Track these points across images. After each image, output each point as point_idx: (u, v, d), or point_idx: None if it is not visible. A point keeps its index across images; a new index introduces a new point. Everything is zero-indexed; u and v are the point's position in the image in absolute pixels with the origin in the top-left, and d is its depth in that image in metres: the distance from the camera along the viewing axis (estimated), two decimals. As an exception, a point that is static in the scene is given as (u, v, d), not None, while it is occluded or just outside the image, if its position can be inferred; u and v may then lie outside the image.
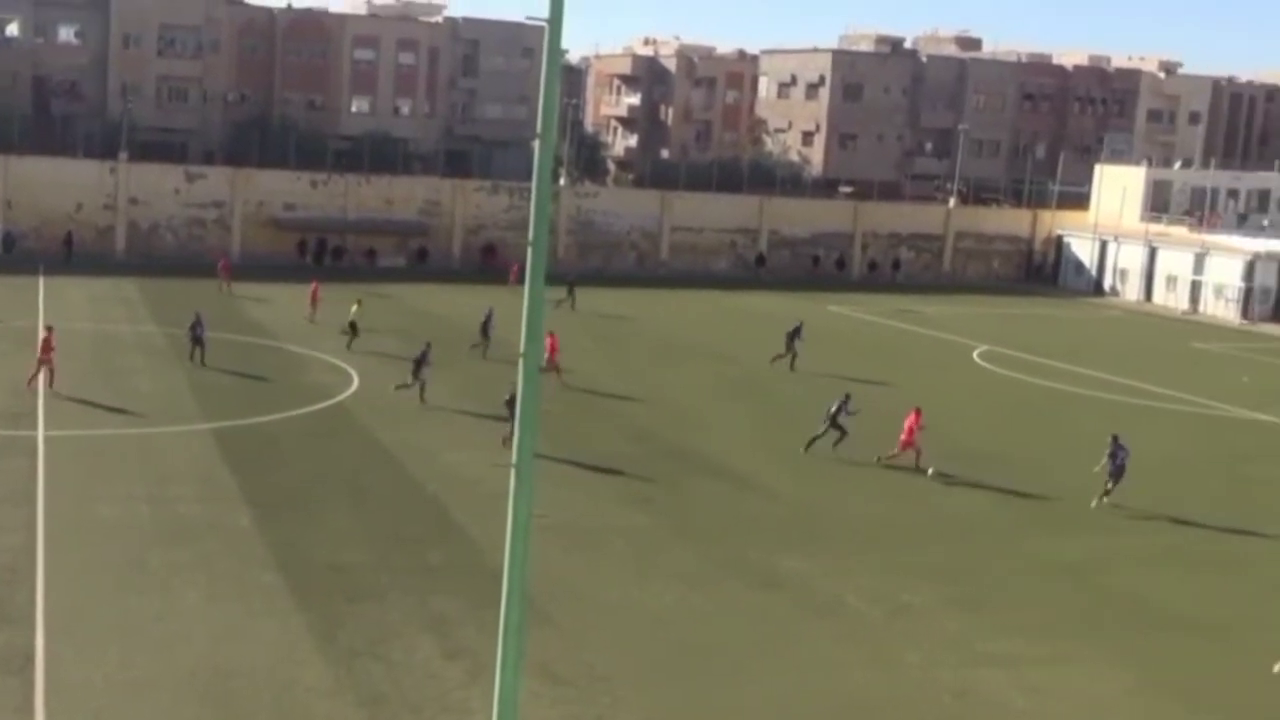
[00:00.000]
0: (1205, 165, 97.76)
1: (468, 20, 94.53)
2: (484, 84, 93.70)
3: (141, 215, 70.59)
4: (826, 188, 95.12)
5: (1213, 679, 21.63)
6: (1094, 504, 31.35)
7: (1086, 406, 44.62)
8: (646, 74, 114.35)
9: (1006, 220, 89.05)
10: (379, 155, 78.64)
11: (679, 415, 39.24)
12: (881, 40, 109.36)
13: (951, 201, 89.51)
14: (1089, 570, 26.81)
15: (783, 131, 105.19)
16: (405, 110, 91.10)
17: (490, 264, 71.95)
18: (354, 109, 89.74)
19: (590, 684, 19.87)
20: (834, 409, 35.07)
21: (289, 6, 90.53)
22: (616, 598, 23.62)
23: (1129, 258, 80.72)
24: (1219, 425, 43.12)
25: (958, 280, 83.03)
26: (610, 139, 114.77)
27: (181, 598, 22.27)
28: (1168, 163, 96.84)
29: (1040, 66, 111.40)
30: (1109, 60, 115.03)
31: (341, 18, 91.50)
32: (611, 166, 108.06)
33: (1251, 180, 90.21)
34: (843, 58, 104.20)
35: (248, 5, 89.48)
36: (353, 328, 46.68)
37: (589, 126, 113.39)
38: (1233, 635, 23.68)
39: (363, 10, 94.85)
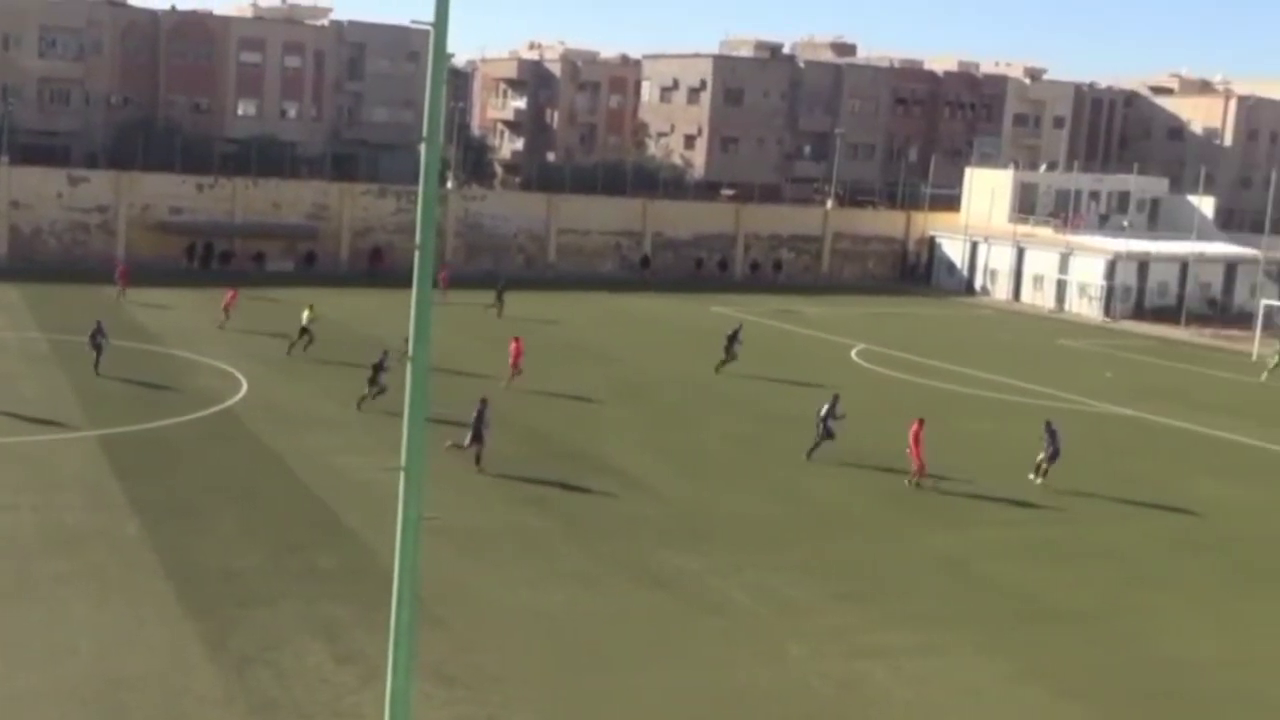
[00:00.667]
0: (1069, 168, 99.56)
1: (353, 23, 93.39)
2: (370, 87, 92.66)
3: (23, 219, 68.70)
4: (709, 190, 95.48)
5: (1080, 665, 22.08)
6: (1037, 480, 33.22)
7: (960, 403, 45.29)
8: (532, 78, 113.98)
9: (881, 222, 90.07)
10: (266, 158, 77.32)
11: (570, 417, 39.13)
12: (760, 46, 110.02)
13: (829, 204, 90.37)
14: (966, 562, 27.21)
15: (665, 135, 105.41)
16: (292, 113, 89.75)
17: (378, 267, 71.16)
18: (240, 112, 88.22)
19: (482, 685, 19.73)
20: (823, 412, 35.25)
21: (173, 9, 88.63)
22: (507, 598, 23.48)
23: (998, 258, 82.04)
24: (1084, 420, 43.93)
25: (835, 281, 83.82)
26: (497, 142, 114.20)
27: (68, 607, 21.71)
28: (1034, 166, 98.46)
29: (912, 72, 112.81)
30: (977, 66, 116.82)
31: (226, 20, 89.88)
32: (498, 169, 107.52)
33: (1112, 182, 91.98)
34: (723, 63, 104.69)
35: (130, 7, 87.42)
36: (304, 332, 45.87)
37: (476, 130, 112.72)
38: (1099, 623, 24.18)
39: (248, 13, 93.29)
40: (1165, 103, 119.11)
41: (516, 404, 40.26)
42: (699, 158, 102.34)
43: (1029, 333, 66.55)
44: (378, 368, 37.55)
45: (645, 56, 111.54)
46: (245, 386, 39.94)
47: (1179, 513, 32.34)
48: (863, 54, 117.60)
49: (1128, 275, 75.63)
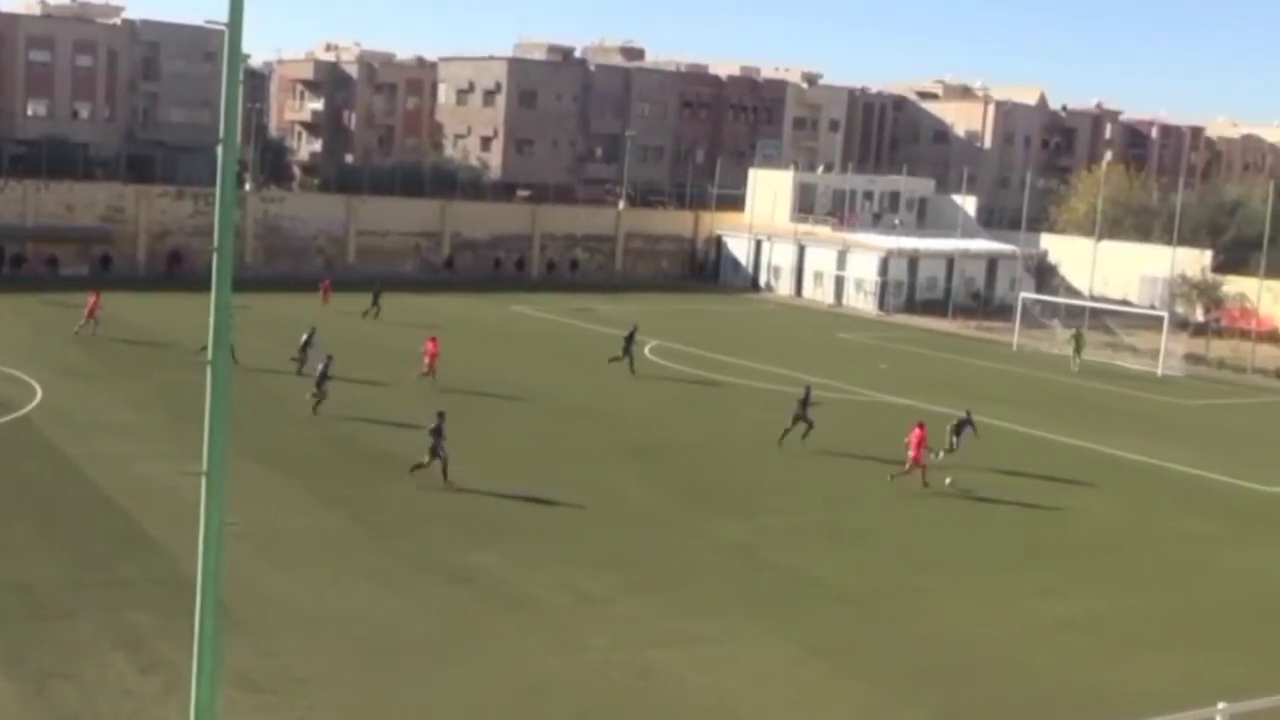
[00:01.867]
0: (844, 169, 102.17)
1: (146, 23, 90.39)
2: (166, 88, 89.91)
3: None
4: (505, 191, 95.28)
5: (860, 644, 22.69)
6: (939, 455, 34.71)
7: (747, 395, 46.15)
8: (329, 79, 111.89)
9: (671, 221, 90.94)
10: (58, 160, 74.18)
11: (373, 417, 38.53)
12: (553, 50, 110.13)
13: (621, 204, 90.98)
14: (754, 549, 27.74)
15: (463, 137, 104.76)
16: (84, 114, 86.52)
17: (177, 270, 69.08)
18: (30, 112, 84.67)
19: (288, 689, 19.36)
20: (801, 401, 36.79)
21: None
22: (311, 601, 23.08)
23: (781, 255, 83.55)
24: (862, 409, 45.22)
25: (629, 279, 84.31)
26: (295, 144, 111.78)
27: None
28: (812, 167, 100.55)
29: (698, 76, 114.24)
30: (759, 71, 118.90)
31: (14, 17, 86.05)
32: (297, 171, 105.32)
33: (884, 183, 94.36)
34: (517, 65, 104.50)
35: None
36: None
37: (273, 131, 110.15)
38: (876, 603, 24.89)
39: (36, 10, 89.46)
40: (931, 107, 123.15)
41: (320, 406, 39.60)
42: (495, 159, 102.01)
43: (810, 327, 68.06)
44: (323, 374, 37.92)
45: (441, 59, 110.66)
46: (40, 393, 38.36)
47: (944, 496, 33.49)
48: (651, 58, 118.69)
49: (899, 271, 77.84)
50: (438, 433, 30.88)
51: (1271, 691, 10.75)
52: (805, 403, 37.28)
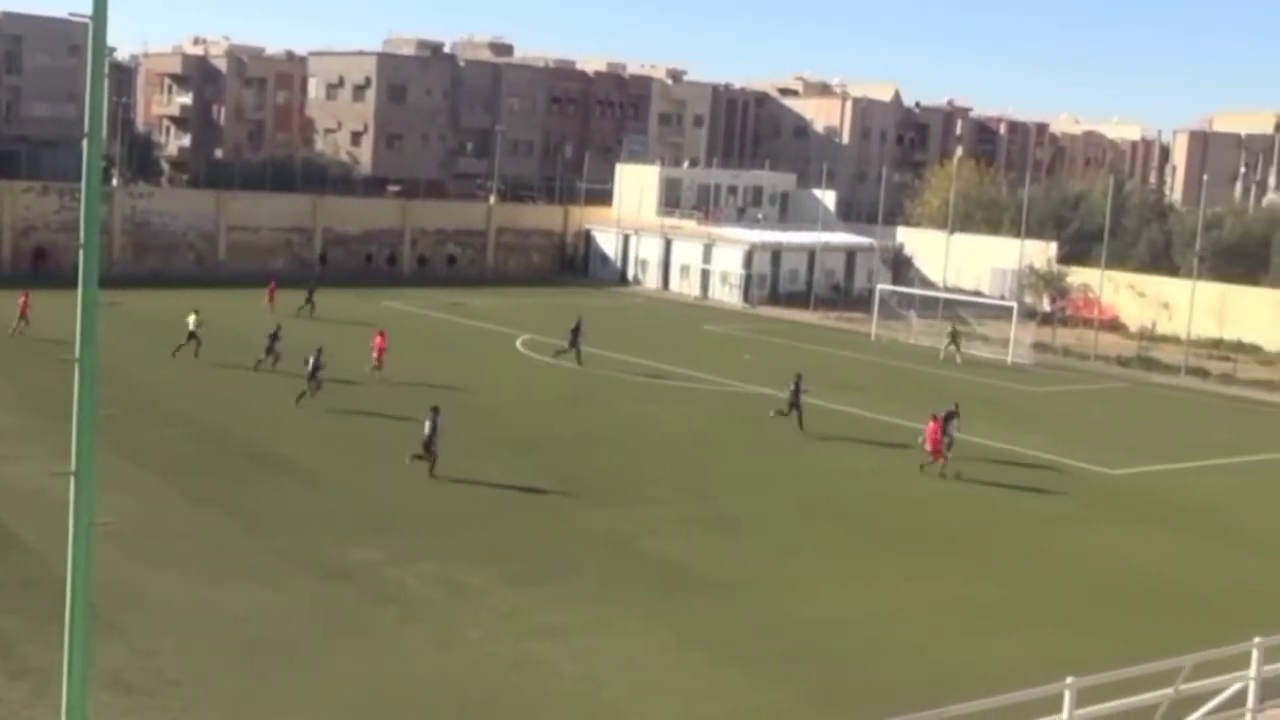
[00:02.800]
0: (709, 164, 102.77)
1: (9, 15, 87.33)
2: (29, 81, 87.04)
3: None
4: (376, 186, 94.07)
5: (734, 631, 22.81)
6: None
7: (617, 387, 46.20)
8: (197, 73, 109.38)
9: (541, 216, 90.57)
10: (-82, 156, 71.61)
11: (248, 415, 37.78)
12: (422, 45, 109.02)
13: (492, 199, 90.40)
14: (627, 539, 27.74)
15: (333, 131, 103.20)
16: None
17: (42, 267, 66.90)
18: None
19: (162, 690, 18.87)
20: (792, 390, 38.60)
21: None
22: (185, 600, 22.53)
23: (648, 249, 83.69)
24: (728, 400, 45.55)
25: (500, 273, 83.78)
26: (163, 139, 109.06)
27: None
28: (677, 162, 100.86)
29: (565, 72, 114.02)
30: (625, 67, 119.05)
31: None
32: (165, 166, 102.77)
33: (747, 178, 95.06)
34: (387, 60, 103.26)
35: None
36: (192, 337, 44.34)
37: (141, 126, 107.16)
38: (748, 590, 25.05)
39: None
40: (791, 104, 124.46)
41: (192, 404, 38.81)
42: (366, 154, 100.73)
43: (677, 319, 68.34)
44: (315, 369, 38.57)
45: (311, 53, 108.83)
46: (-98, 394, 36.97)
47: (810, 483, 33.94)
48: (520, 54, 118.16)
49: (763, 264, 78.49)
50: (433, 428, 31.54)
51: (1117, 665, 11.06)
52: (797, 391, 38.96)
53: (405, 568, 24.87)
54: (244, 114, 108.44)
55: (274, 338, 43.83)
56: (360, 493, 30.29)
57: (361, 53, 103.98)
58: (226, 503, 28.57)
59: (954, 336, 58.85)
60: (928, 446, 34.96)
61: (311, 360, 38.88)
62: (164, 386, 40.65)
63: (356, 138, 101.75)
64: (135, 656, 19.79)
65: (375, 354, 43.34)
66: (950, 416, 36.27)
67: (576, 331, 49.56)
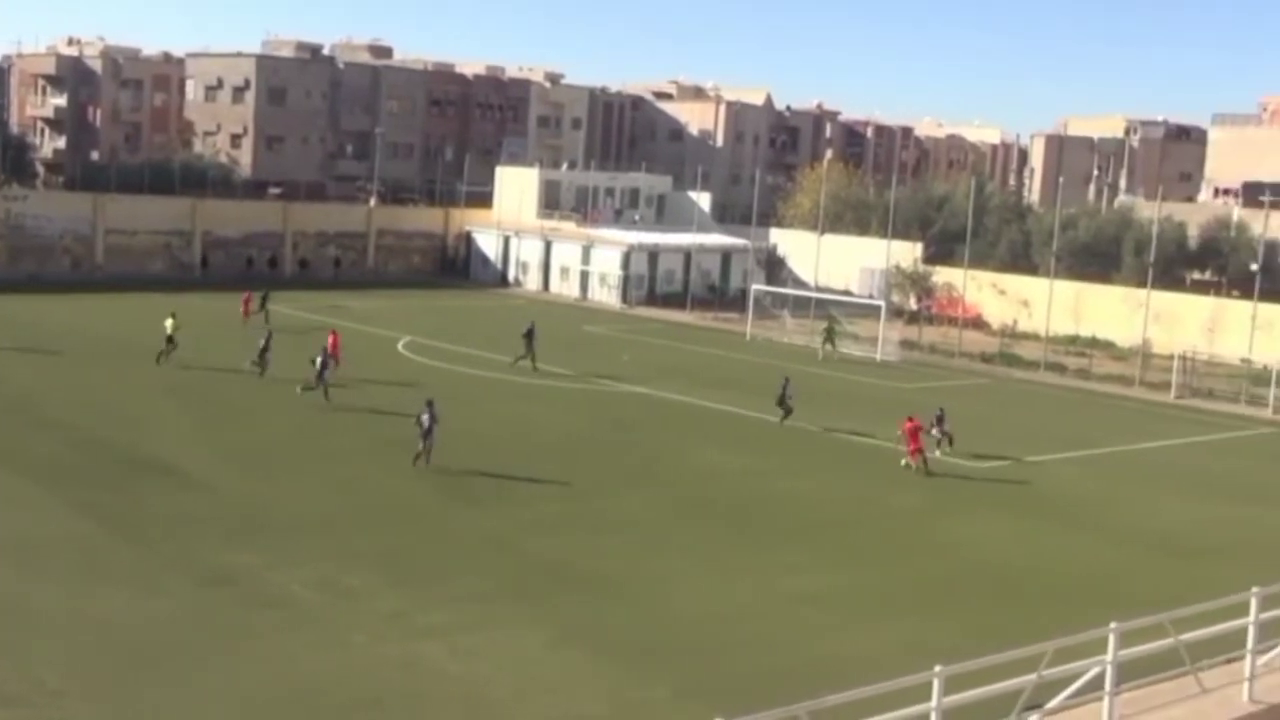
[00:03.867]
0: (587, 166, 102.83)
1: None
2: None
3: None
4: (256, 189, 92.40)
5: (613, 627, 22.91)
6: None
7: (496, 388, 46.03)
8: (72, 74, 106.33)
9: (422, 218, 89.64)
10: None
11: (125, 420, 36.93)
12: (301, 47, 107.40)
13: (372, 201, 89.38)
14: (509, 540, 27.67)
15: (212, 134, 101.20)
16: None
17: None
18: None
19: (43, 701, 18.39)
20: (780, 392, 40.81)
21: None
22: (66, 609, 21.96)
23: (529, 251, 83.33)
24: (608, 399, 45.65)
25: (381, 276, 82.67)
26: (38, 140, 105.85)
27: None
28: (556, 164, 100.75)
29: (445, 75, 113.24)
30: (504, 70, 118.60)
31: None
32: (41, 169, 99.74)
33: (625, 180, 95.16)
34: (266, 62, 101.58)
35: None
36: (170, 341, 44.27)
37: (14, 127, 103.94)
38: (626, 587, 25.17)
39: None
40: (667, 107, 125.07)
41: (68, 410, 37.82)
42: (245, 156, 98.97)
43: (558, 320, 67.90)
44: (323, 365, 40.28)
45: (189, 55, 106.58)
46: None
47: (687, 481, 34.18)
48: (399, 56, 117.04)
49: (640, 265, 78.68)
50: (431, 419, 32.89)
51: (983, 652, 11.36)
52: (785, 391, 40.86)
53: (288, 572, 24.54)
54: (120, 116, 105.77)
55: (265, 348, 43.74)
56: (241, 496, 29.81)
57: (240, 54, 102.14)
58: (103, 509, 27.91)
59: (830, 333, 59.69)
60: (908, 447, 35.92)
61: (319, 361, 40.52)
62: (41, 392, 39.54)
63: (236, 140, 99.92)
64: (14, 668, 19.29)
65: (332, 351, 43.05)
66: (941, 419, 38.38)
67: (530, 336, 49.79)
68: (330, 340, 43.93)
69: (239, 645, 20.92)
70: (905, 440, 36.17)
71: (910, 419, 36.55)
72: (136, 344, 49.65)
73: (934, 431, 38.30)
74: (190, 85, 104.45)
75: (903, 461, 36.29)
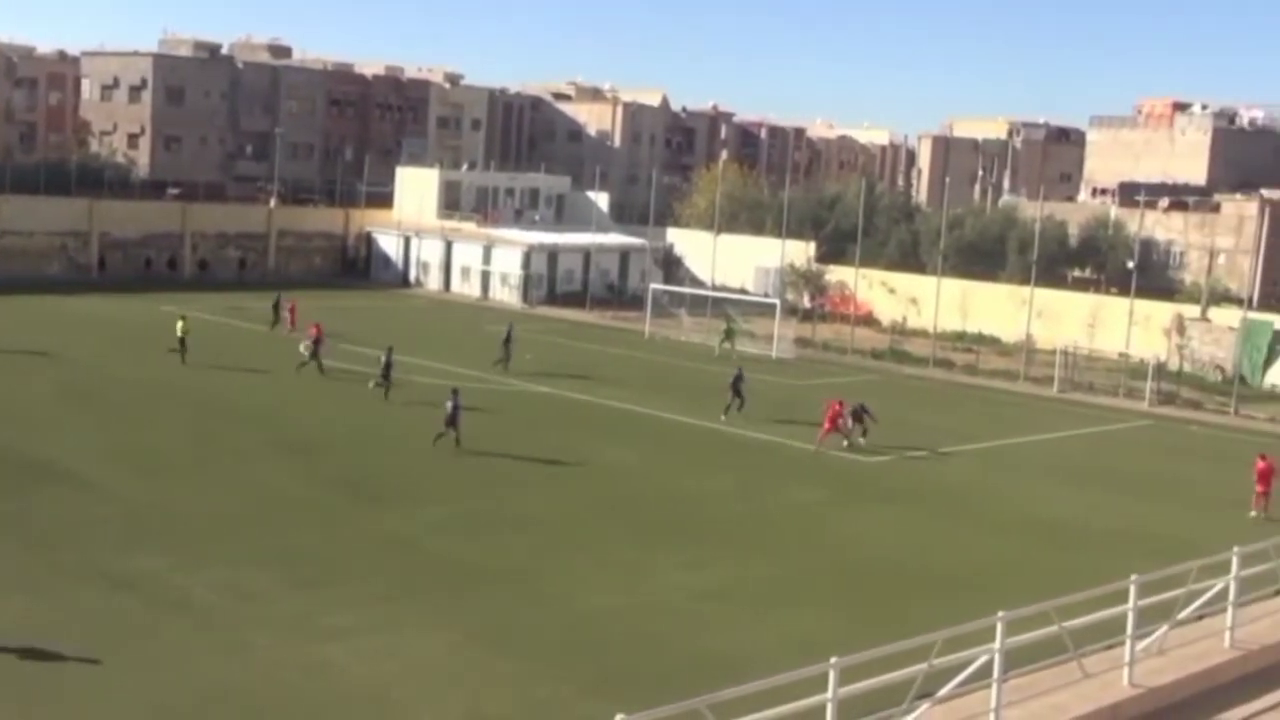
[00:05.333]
0: (487, 167, 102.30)
1: None
2: None
3: None
4: (154, 190, 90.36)
5: (517, 625, 22.84)
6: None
7: (400, 390, 45.60)
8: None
9: (323, 219, 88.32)
10: None
11: (22, 424, 35.91)
12: (199, 46, 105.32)
13: (272, 202, 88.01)
14: (412, 540, 27.48)
15: (109, 133, 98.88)
16: None
17: None
18: None
19: (-61, 713, 17.93)
20: (733, 381, 42.27)
21: None
22: (-39, 619, 21.39)
23: (430, 251, 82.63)
24: (509, 398, 45.48)
25: (282, 276, 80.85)
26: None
27: None
28: (456, 165, 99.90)
29: (345, 75, 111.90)
30: (403, 71, 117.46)
31: None
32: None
33: (524, 180, 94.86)
34: (163, 61, 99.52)
35: None
36: (182, 344, 44.77)
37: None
38: (529, 584, 25.11)
39: None
40: (565, 108, 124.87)
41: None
42: (143, 157, 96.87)
43: (459, 320, 67.80)
44: (386, 365, 42.47)
45: (84, 53, 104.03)
46: None
47: (589, 479, 34.21)
48: (298, 56, 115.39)
49: (540, 265, 78.49)
50: (456, 406, 34.82)
51: (875, 643, 11.52)
52: (738, 380, 42.51)
53: (190, 575, 24.13)
54: (14, 115, 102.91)
55: (316, 343, 46.43)
56: (139, 499, 29.26)
57: (137, 53, 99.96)
58: (3, 516, 27.16)
59: (729, 333, 60.11)
60: (824, 426, 38.64)
61: (384, 358, 42.52)
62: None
63: (133, 139, 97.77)
64: (-91, 680, 18.71)
65: (289, 316, 48.17)
66: (861, 412, 40.03)
67: (508, 339, 50.74)
68: (311, 331, 47.17)
69: (141, 651, 20.52)
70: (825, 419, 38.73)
71: (840, 402, 39.75)
72: (32, 347, 48.41)
73: (853, 423, 39.82)
74: (86, 84, 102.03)
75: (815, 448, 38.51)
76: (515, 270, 77.89)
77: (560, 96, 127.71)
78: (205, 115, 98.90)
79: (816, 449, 38.15)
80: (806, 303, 73.93)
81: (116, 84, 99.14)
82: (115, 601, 22.65)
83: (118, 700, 18.77)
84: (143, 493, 29.81)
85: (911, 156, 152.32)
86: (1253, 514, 33.76)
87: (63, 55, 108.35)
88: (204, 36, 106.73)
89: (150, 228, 78.56)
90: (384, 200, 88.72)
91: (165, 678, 19.58)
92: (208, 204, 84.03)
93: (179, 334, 46.39)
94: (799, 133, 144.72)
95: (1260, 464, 34.48)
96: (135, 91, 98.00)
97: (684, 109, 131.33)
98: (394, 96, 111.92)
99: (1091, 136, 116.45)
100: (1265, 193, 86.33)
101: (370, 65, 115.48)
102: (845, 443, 39.21)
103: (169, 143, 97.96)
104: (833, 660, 10.59)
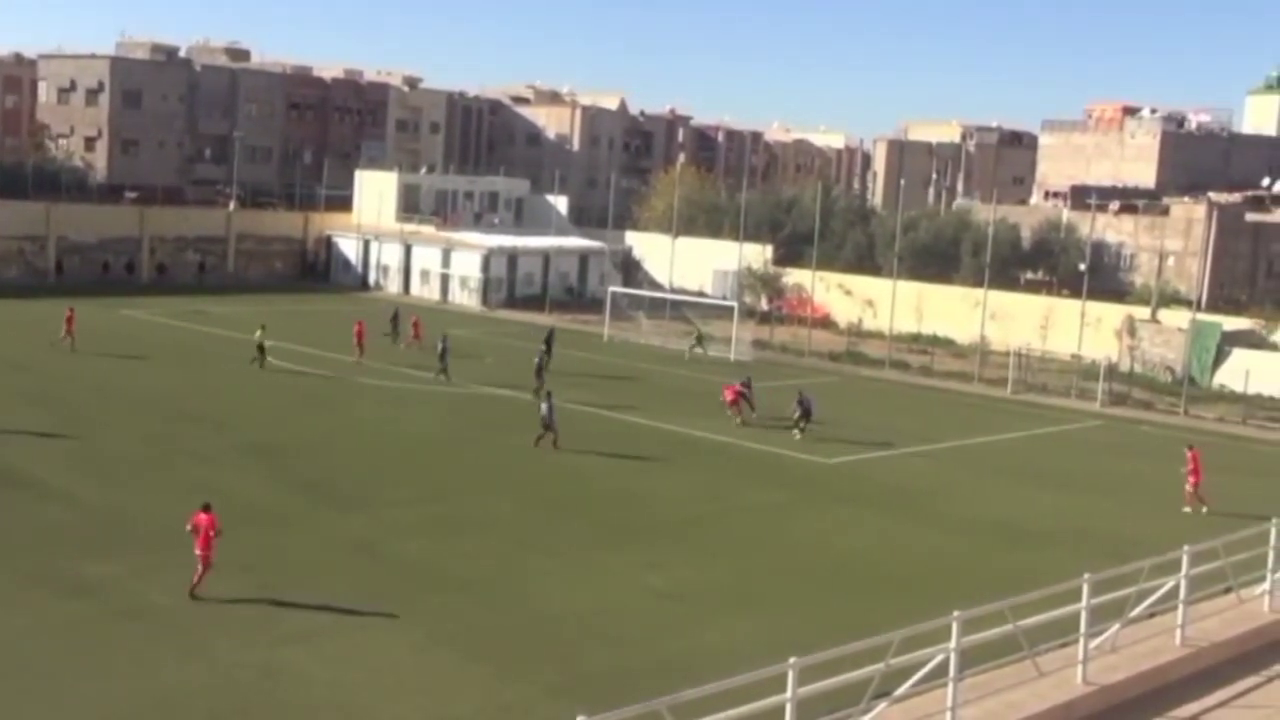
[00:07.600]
0: (446, 170, 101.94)
1: None
2: None
3: None
4: (112, 193, 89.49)
5: (481, 628, 22.82)
6: (797, 435, 41.33)
7: (357, 392, 45.44)
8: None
9: (282, 223, 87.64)
10: None
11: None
12: (157, 49, 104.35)
13: (231, 205, 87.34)
14: (374, 543, 27.36)
15: (66, 137, 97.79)
16: None
17: None
18: None
19: (-103, 722, 17.70)
20: (742, 385, 44.14)
21: None
22: (-80, 627, 21.14)
23: (389, 255, 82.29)
24: (470, 402, 45.38)
25: (242, 280, 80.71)
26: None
27: None
28: (415, 168, 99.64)
29: (303, 78, 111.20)
30: (362, 74, 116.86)
31: None
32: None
33: (483, 183, 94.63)
34: (121, 64, 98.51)
35: None
36: (260, 350, 47.41)
37: None
38: (492, 587, 25.04)
39: None
40: (524, 111, 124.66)
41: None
42: (100, 160, 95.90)
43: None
44: (443, 353, 46.69)
45: (41, 55, 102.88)
46: None
47: (550, 481, 34.15)
48: (256, 59, 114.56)
49: (500, 268, 78.30)
50: (550, 411, 36.48)
51: (833, 643, 11.61)
52: (747, 386, 44.29)
53: (149, 580, 23.93)
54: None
55: (443, 346, 48.55)
56: (95, 504, 28.99)
57: (94, 56, 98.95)
58: (-40, 523, 26.86)
59: (699, 339, 60.22)
60: (727, 398, 43.08)
61: (440, 345, 46.42)
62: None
63: (90, 143, 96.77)
64: None
65: (358, 339, 50.77)
66: (804, 401, 42.15)
67: (549, 343, 52.59)
68: (356, 329, 51.36)
69: (102, 657, 20.35)
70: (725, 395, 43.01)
71: (745, 384, 44.39)
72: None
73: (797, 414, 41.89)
74: (43, 87, 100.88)
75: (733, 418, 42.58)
76: (475, 273, 77.68)
77: (519, 100, 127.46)
78: (163, 118, 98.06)
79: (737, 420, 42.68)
80: (764, 305, 74.09)
81: (73, 87, 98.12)
82: (75, 608, 22.41)
83: (77, 707, 18.59)
84: (103, 498, 29.52)
85: (867, 160, 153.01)
86: (1186, 509, 34.10)
87: (19, 58, 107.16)
88: (161, 39, 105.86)
89: (108, 231, 77.81)
90: (343, 204, 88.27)
91: (125, 684, 19.41)
92: (166, 208, 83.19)
93: (257, 341, 47.95)
94: (756, 136, 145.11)
95: (1190, 454, 34.77)
96: (92, 94, 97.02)
97: (642, 112, 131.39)
98: (353, 100, 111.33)
99: (1043, 140, 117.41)
100: (1213, 195, 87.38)
101: (329, 68, 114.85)
102: (796, 432, 41.49)
103: (126, 146, 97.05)
104: (792, 660, 10.66)
